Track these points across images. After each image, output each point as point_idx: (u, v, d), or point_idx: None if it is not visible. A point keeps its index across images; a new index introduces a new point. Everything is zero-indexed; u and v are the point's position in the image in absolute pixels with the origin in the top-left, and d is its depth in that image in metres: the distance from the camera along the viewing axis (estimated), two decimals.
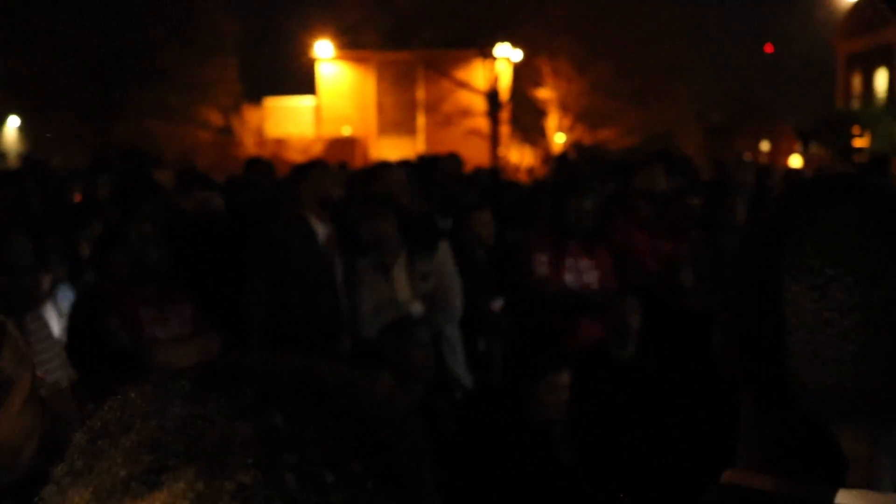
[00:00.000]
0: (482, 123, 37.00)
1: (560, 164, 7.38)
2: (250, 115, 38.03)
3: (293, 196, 5.06)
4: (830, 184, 0.92)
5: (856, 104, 46.38)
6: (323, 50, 38.51)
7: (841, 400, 0.87)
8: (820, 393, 0.87)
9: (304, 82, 40.39)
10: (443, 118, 37.56)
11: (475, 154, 30.64)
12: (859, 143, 39.96)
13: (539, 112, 37.16)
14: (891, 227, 0.86)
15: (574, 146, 31.04)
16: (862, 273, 0.84)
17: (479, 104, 37.19)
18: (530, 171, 22.36)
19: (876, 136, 39.13)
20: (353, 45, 37.48)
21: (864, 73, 48.03)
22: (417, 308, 4.93)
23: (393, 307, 4.86)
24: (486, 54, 35.95)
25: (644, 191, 5.47)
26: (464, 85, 37.81)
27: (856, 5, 48.38)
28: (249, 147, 34.40)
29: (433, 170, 8.06)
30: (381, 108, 40.25)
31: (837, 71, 51.21)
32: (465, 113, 37.40)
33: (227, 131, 35.36)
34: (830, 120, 42.19)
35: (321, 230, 5.00)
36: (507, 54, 35.57)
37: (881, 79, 46.56)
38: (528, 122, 37.10)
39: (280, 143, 36.57)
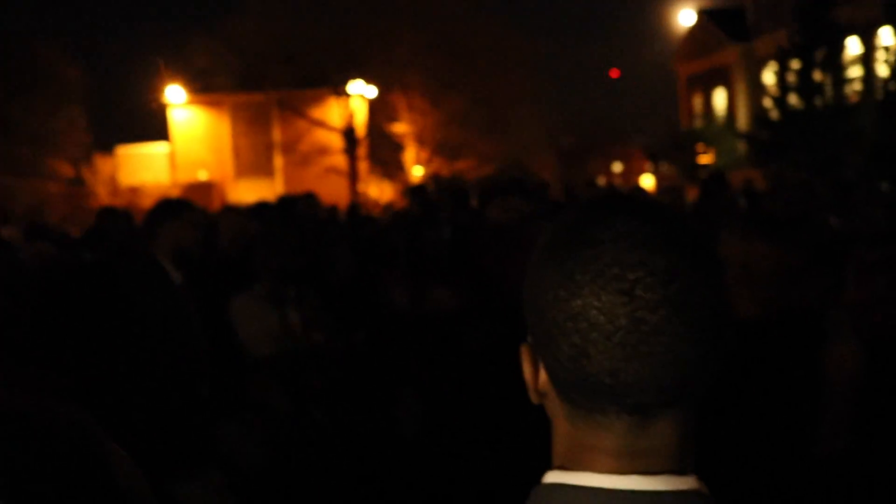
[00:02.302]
0: (340, 161, 37.01)
1: (415, 196, 7.51)
2: (102, 164, 37.10)
3: (146, 243, 5.00)
4: (610, 202, 1.04)
5: (698, 123, 48.36)
6: (174, 95, 37.89)
7: (660, 391, 0.97)
8: (641, 387, 0.97)
9: (156, 128, 39.75)
10: (300, 158, 37.41)
11: (335, 191, 30.65)
12: (704, 159, 41.69)
13: (396, 146, 37.44)
14: (670, 229, 0.99)
15: (432, 178, 31.42)
16: (658, 272, 0.95)
17: (337, 142, 37.21)
18: (388, 205, 22.46)
19: (719, 153, 40.90)
20: (205, 88, 37.02)
21: (705, 94, 50.15)
22: (315, 337, 4.93)
23: (286, 337, 4.84)
24: (340, 92, 36.06)
25: (495, 219, 5.62)
26: (320, 123, 37.78)
27: (692, 29, 50.55)
28: (103, 197, 33.56)
29: (292, 210, 8.08)
30: (237, 150, 39.83)
31: (679, 92, 53.32)
32: (323, 151, 37.35)
33: (78, 182, 34.39)
34: (676, 139, 43.90)
35: (176, 277, 4.94)
36: (361, 91, 35.77)
37: (720, 98, 48.70)
38: (386, 156, 37.33)
39: (135, 191, 35.76)
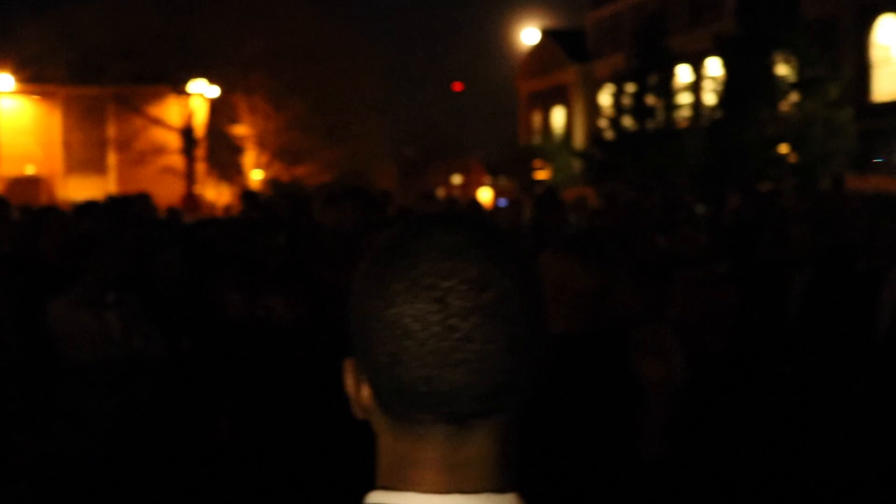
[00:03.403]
0: (177, 161, 36.13)
1: (249, 200, 7.38)
2: None
3: None
4: (425, 219, 1.07)
5: (537, 139, 49.52)
6: (2, 83, 36.12)
7: (475, 399, 0.98)
8: (455, 394, 0.98)
9: None
10: (136, 156, 36.33)
11: (170, 192, 29.90)
12: (541, 175, 42.71)
13: (236, 149, 36.84)
14: (485, 241, 1.01)
15: (271, 183, 31.05)
16: (471, 281, 0.97)
17: (174, 141, 36.32)
18: (226, 208, 22.05)
19: (556, 169, 42.01)
20: (36, 78, 35.46)
21: (544, 111, 51.44)
22: (135, 343, 4.77)
23: (106, 343, 4.66)
24: (180, 90, 35.23)
25: (332, 227, 5.59)
26: (157, 121, 36.79)
27: (535, 48, 51.79)
28: None
29: (124, 211, 7.82)
30: (68, 145, 38.28)
31: (520, 108, 54.49)
32: (160, 150, 36.38)
33: None
34: (515, 154, 44.84)
35: None
36: (202, 90, 35.02)
37: (558, 116, 50.08)
38: (224, 158, 36.66)
39: None
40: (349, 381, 1.07)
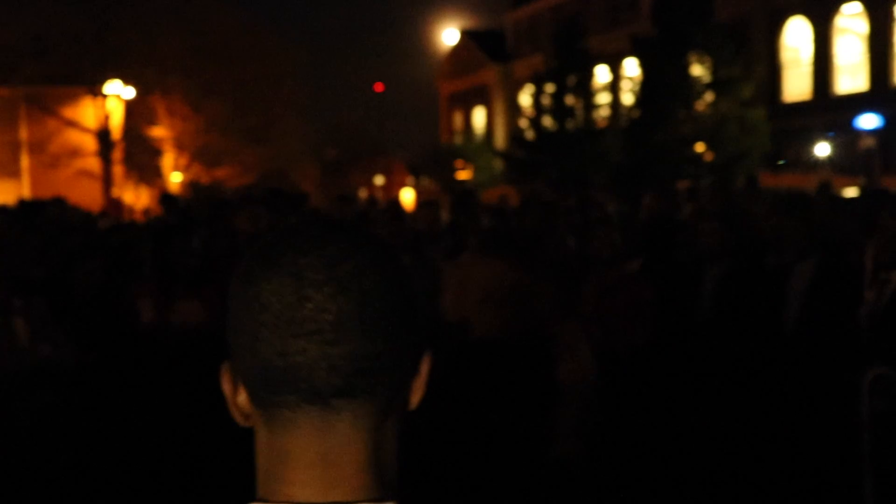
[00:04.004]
0: (94, 164, 35.43)
1: (167, 204, 7.25)
2: None
3: None
4: (304, 221, 1.13)
5: (458, 140, 49.69)
6: None
7: (333, 372, 0.98)
8: (311, 367, 0.98)
9: None
10: (50, 159, 35.48)
11: (87, 196, 29.29)
12: (463, 175, 42.88)
13: (154, 151, 36.26)
14: (347, 229, 1.05)
15: (191, 185, 30.64)
16: (328, 256, 1.00)
17: (90, 143, 35.60)
18: (145, 211, 21.69)
19: (477, 169, 42.22)
20: None
21: (465, 111, 51.65)
22: (43, 350, 4.66)
23: (12, 350, 4.56)
24: (96, 91, 34.52)
25: (246, 231, 5.55)
26: (72, 123, 36.02)
27: (455, 49, 51.97)
28: None
29: (34, 216, 7.65)
30: None
31: (441, 109, 54.60)
32: (75, 153, 35.62)
33: None
34: (437, 155, 44.94)
35: None
36: (118, 91, 34.35)
37: (479, 116, 50.34)
38: (143, 161, 36.06)
39: None
40: (226, 386, 1.07)
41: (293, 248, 1.01)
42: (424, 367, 1.08)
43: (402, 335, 1.03)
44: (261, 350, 0.99)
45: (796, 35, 30.88)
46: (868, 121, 25.21)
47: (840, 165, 25.84)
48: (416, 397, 1.08)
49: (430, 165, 43.66)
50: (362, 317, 0.99)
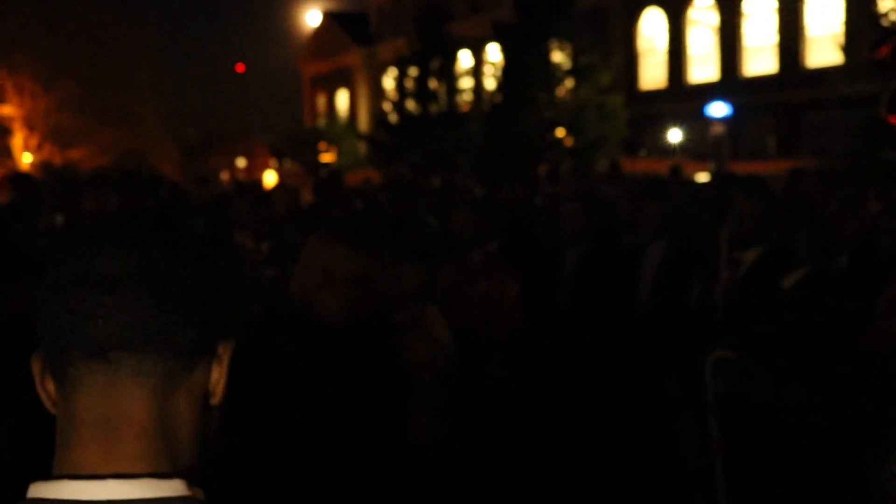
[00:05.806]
0: None
1: (18, 184, 6.92)
2: None
3: None
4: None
5: (322, 122, 49.30)
6: None
7: (108, 321, 1.00)
8: (89, 315, 1.00)
9: None
10: None
11: None
12: (326, 157, 42.58)
13: (3, 130, 34.72)
14: (139, 227, 1.09)
15: (42, 166, 29.47)
16: (116, 226, 1.07)
17: None
18: None
19: (341, 152, 41.99)
20: None
21: (328, 94, 51.23)
22: None
23: None
24: None
25: (96, 213, 5.37)
26: None
27: (318, 30, 51.44)
28: None
29: None
30: None
31: (304, 91, 54.02)
32: None
33: None
34: (300, 137, 44.47)
35: None
36: None
37: (342, 99, 50.03)
38: None
39: None
40: (36, 374, 1.07)
41: (91, 246, 1.04)
42: (225, 355, 1.08)
43: (186, 305, 1.04)
44: (51, 312, 1.02)
45: (652, 25, 31.78)
46: (718, 109, 26.19)
47: (692, 151, 26.77)
48: (217, 385, 1.08)
49: (294, 148, 43.18)
50: (143, 274, 1.02)
